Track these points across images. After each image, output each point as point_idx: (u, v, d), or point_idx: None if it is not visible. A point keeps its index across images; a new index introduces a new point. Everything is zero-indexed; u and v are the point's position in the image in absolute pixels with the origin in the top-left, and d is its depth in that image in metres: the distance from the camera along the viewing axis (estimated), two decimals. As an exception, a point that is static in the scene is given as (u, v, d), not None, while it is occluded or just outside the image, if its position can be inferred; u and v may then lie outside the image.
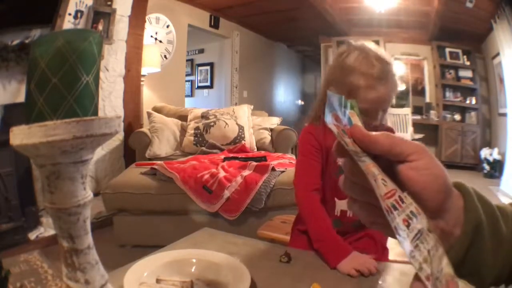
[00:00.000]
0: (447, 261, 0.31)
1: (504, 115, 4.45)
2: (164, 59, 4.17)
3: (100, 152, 2.95)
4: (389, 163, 0.35)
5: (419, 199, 0.33)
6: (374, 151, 0.34)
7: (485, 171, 4.68)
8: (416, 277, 0.30)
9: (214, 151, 2.78)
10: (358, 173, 0.34)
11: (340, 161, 0.37)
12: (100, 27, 2.83)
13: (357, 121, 0.35)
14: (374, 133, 0.34)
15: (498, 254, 0.37)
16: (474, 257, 0.37)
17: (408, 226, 0.31)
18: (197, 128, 2.88)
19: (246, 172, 2.10)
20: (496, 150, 4.64)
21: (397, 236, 0.31)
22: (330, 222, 0.94)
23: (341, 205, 1.01)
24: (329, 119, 0.34)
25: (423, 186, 0.34)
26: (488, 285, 0.39)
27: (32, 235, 2.17)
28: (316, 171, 1.01)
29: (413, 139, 4.85)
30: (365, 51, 0.95)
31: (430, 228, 0.32)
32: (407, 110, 5.14)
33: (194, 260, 0.71)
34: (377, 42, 5.96)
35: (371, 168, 0.33)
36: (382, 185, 0.32)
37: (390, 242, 1.34)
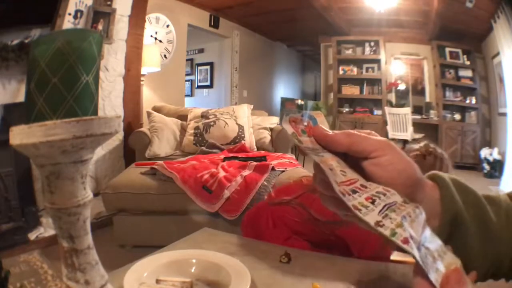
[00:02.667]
0: (431, 232, 0.31)
1: (504, 114, 4.45)
2: (164, 58, 4.17)
3: (100, 152, 2.95)
4: (357, 160, 0.36)
5: None
6: (335, 149, 0.36)
7: (485, 171, 4.68)
8: (415, 271, 0.30)
9: (214, 150, 2.78)
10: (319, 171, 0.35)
11: None
12: (100, 27, 2.83)
13: (322, 120, 0.38)
14: (334, 132, 0.36)
15: (487, 244, 0.37)
16: (458, 247, 0.36)
17: (372, 202, 0.32)
18: (197, 128, 2.88)
19: (246, 172, 2.10)
20: (496, 150, 4.64)
21: (357, 213, 0.31)
22: None
23: None
24: (285, 121, 0.37)
25: (387, 181, 0.35)
26: (482, 277, 0.38)
27: (32, 235, 2.17)
28: None
29: (413, 139, 4.85)
30: None
31: (407, 201, 0.32)
32: (407, 110, 5.14)
33: (194, 261, 0.71)
34: (377, 42, 5.97)
35: (329, 161, 0.34)
36: (340, 175, 0.33)
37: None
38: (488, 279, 0.39)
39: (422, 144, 1.18)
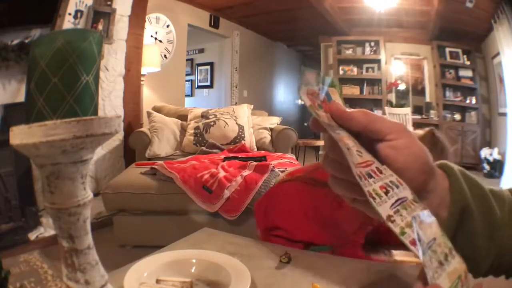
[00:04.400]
0: (441, 233, 0.29)
1: (504, 114, 4.45)
2: (164, 58, 4.17)
3: (100, 152, 2.95)
4: (371, 142, 0.34)
5: (401, 178, 0.32)
6: (351, 127, 0.34)
7: (485, 171, 4.68)
8: (419, 276, 0.29)
9: (214, 150, 2.78)
10: (338, 149, 0.33)
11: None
12: (100, 27, 2.83)
13: (337, 98, 0.36)
14: (351, 110, 0.35)
15: (492, 238, 0.36)
16: (465, 240, 0.36)
17: (386, 193, 0.30)
18: (197, 128, 2.88)
19: (246, 172, 2.10)
20: (496, 150, 4.64)
21: (371, 201, 0.30)
22: None
23: None
24: (303, 92, 0.34)
25: (403, 165, 0.33)
26: (484, 273, 0.37)
27: (32, 235, 2.17)
28: None
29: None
30: None
31: (417, 199, 0.31)
32: (407, 110, 5.15)
33: (194, 260, 0.71)
34: (377, 42, 5.97)
35: (345, 140, 0.32)
36: (357, 155, 0.31)
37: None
38: (489, 275, 0.38)
39: (427, 129, 1.18)
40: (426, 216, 0.29)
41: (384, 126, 0.34)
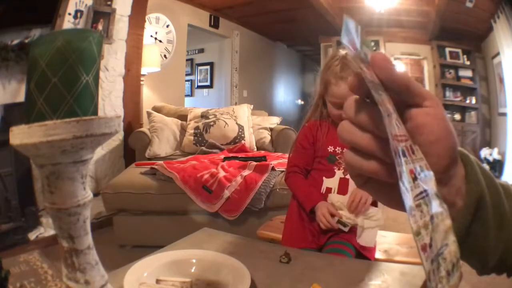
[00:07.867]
0: (454, 239, 0.26)
1: (504, 114, 4.45)
2: (164, 58, 4.17)
3: (100, 152, 2.95)
4: (402, 108, 0.30)
5: (429, 154, 0.29)
6: (391, 84, 0.29)
7: (485, 171, 4.67)
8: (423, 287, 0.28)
9: (214, 150, 2.78)
10: (368, 116, 0.30)
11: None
12: (100, 27, 2.83)
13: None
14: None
15: (500, 234, 0.34)
16: (477, 233, 0.34)
17: (414, 179, 0.26)
18: (197, 128, 2.88)
19: (246, 172, 2.10)
20: (496, 150, 4.64)
21: (400, 185, 0.26)
22: (307, 184, 1.17)
23: (327, 183, 1.15)
24: (345, 41, 0.29)
25: (437, 138, 0.30)
26: (490, 270, 0.36)
27: (32, 235, 2.17)
28: (304, 157, 1.18)
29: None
30: (340, 55, 1.14)
31: (439, 194, 0.27)
32: (407, 110, 5.12)
33: (194, 260, 0.71)
34: (377, 42, 5.96)
35: (387, 104, 0.28)
36: (395, 125, 0.27)
37: (383, 242, 1.33)
38: (492, 273, 0.38)
39: None
40: (445, 216, 0.27)
41: (422, 90, 0.30)
